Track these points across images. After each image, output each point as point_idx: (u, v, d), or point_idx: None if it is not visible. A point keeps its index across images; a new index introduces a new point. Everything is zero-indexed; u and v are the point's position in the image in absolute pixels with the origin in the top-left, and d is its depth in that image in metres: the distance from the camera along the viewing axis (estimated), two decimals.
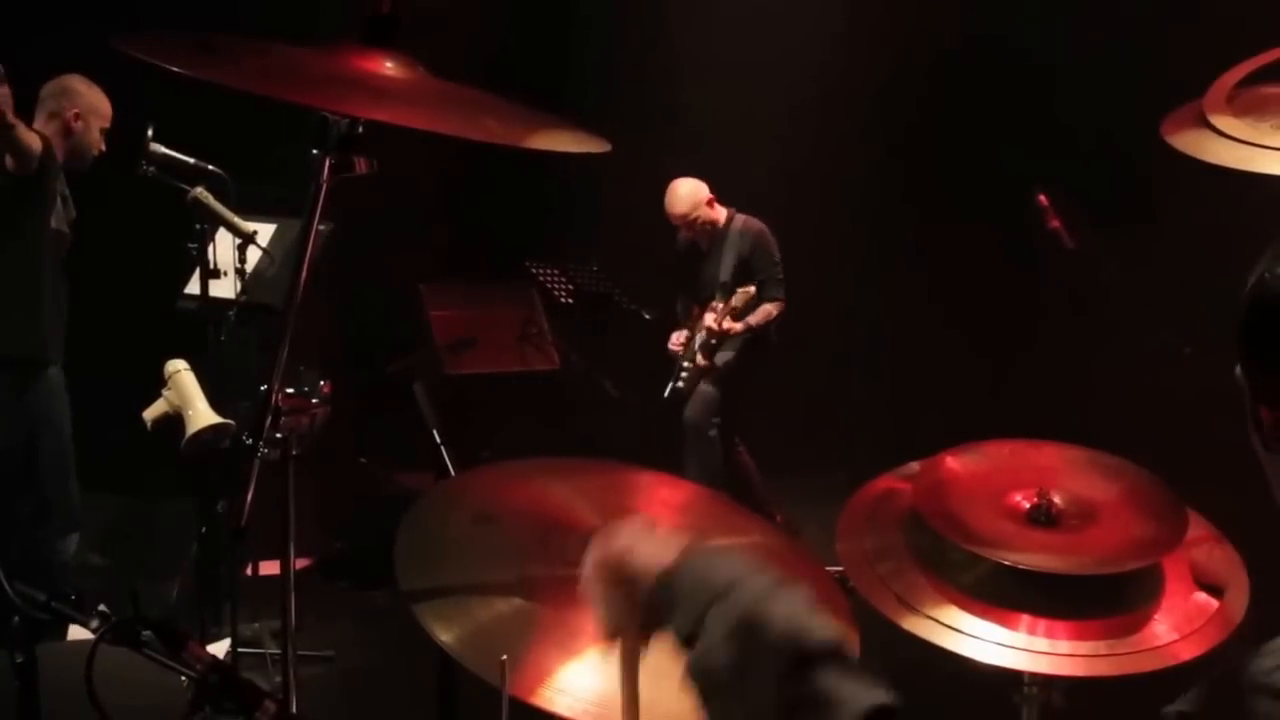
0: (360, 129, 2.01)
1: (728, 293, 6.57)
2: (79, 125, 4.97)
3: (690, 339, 6.66)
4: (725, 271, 6.65)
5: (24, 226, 4.82)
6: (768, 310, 6.59)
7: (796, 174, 7.59)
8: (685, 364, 6.63)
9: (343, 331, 7.15)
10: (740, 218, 6.73)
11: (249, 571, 4.96)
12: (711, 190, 6.70)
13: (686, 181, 6.66)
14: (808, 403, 7.80)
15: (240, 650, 4.42)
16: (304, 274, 2.05)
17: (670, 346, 6.75)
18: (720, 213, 6.72)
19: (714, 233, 6.72)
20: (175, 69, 1.85)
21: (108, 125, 5.08)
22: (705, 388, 6.61)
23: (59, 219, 4.95)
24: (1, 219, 4.78)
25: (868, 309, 8.20)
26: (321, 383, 2.11)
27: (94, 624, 1.65)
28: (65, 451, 4.99)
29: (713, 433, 6.61)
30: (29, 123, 4.80)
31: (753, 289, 6.50)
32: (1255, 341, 1.42)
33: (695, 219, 6.64)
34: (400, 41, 2.05)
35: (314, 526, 6.18)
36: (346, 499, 6.51)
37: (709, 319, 6.55)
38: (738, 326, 6.54)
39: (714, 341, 6.57)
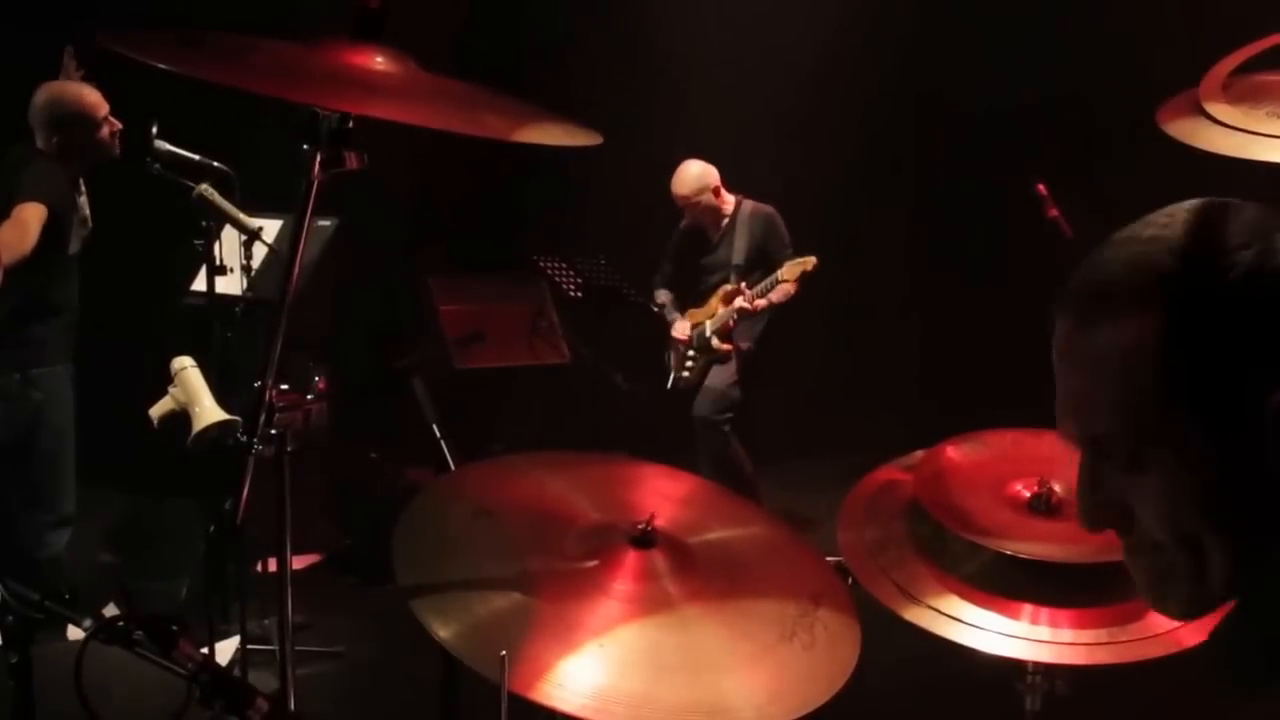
0: (350, 123, 2.01)
1: (743, 274, 6.54)
2: (68, 142, 4.82)
3: (698, 326, 6.63)
4: (738, 255, 6.62)
5: (39, 259, 4.80)
6: (787, 289, 6.48)
7: (804, 162, 7.58)
8: (690, 354, 6.61)
9: (352, 326, 7.15)
10: (749, 203, 6.69)
11: (258, 568, 4.97)
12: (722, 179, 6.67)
13: (695, 164, 6.61)
14: (808, 392, 7.80)
15: (250, 647, 4.42)
16: (296, 270, 2.05)
17: (675, 336, 6.72)
18: (728, 201, 6.67)
19: (719, 219, 6.69)
20: (162, 65, 1.84)
21: (99, 112, 4.87)
22: (713, 383, 6.60)
23: (76, 241, 4.92)
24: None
25: (868, 299, 8.19)
26: (316, 378, 2.11)
27: (86, 623, 1.65)
28: (63, 449, 4.98)
29: (726, 427, 6.59)
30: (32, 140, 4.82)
31: (813, 259, 6.39)
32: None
33: (697, 203, 6.58)
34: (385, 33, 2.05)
35: (324, 522, 6.19)
36: (357, 494, 6.51)
37: (739, 301, 6.49)
38: (762, 303, 6.48)
39: (733, 324, 6.55)
